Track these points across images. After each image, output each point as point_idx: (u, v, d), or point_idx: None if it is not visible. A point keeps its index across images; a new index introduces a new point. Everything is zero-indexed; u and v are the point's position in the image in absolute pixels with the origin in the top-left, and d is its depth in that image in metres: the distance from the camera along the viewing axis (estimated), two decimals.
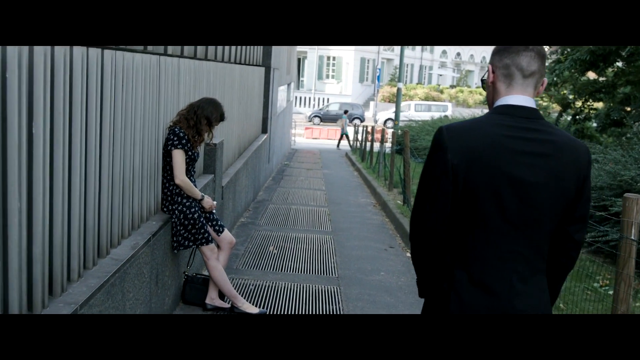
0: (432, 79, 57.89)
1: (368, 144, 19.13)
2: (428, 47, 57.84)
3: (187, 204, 4.81)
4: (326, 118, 40.61)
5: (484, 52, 63.45)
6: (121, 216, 3.96)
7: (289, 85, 21.47)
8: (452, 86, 53.35)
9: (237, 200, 8.72)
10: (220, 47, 7.53)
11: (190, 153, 4.79)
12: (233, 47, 8.60)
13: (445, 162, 2.05)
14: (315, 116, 40.91)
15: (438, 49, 58.89)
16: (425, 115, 32.51)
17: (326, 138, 33.02)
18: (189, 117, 4.79)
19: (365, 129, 20.71)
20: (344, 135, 27.23)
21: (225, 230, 5.19)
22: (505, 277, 2.06)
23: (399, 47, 44.82)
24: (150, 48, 4.55)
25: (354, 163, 19.32)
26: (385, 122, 38.13)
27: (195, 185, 4.99)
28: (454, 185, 2.05)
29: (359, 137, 22.86)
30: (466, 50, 61.51)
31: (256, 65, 11.50)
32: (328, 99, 45.37)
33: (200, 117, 4.80)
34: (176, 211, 4.79)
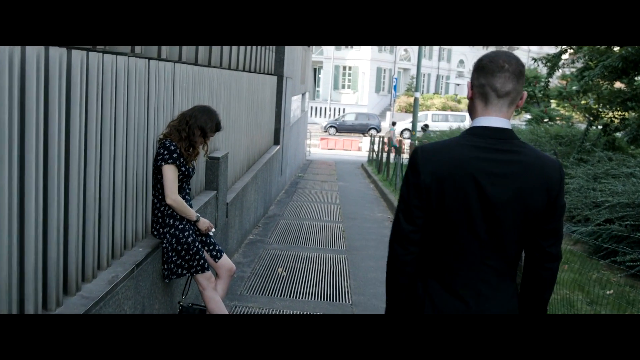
0: (449, 89, 57.17)
1: (384, 155, 18.52)
2: (445, 57, 57.20)
3: (180, 226, 4.24)
4: (342, 128, 40.09)
5: None
6: (97, 244, 3.39)
7: (303, 95, 20.96)
8: None
9: (244, 216, 8.15)
10: (226, 54, 6.98)
11: (183, 169, 4.22)
12: (241, 54, 8.06)
13: (417, 182, 2.24)
14: (331, 126, 40.38)
15: (455, 58, 58.21)
16: (443, 126, 31.88)
17: (342, 149, 32.45)
18: (181, 129, 4.23)
19: (381, 139, 20.11)
20: (393, 148, 26.71)
21: (224, 256, 4.61)
22: (475, 287, 2.26)
23: (416, 56, 44.32)
24: (138, 50, 4.00)
25: (370, 175, 18.70)
26: (402, 132, 37.57)
27: (191, 205, 4.42)
28: (426, 202, 2.24)
29: (375, 148, 22.26)
30: None
31: (268, 73, 10.97)
32: (344, 109, 44.92)
33: (193, 127, 4.24)
34: (167, 235, 4.22)
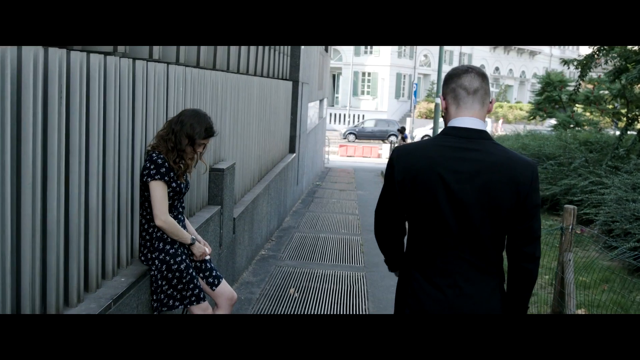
0: None
1: None
2: (465, 61, 56.43)
3: (170, 251, 3.69)
4: (361, 135, 39.51)
5: (523, 67, 61.79)
6: (62, 277, 2.84)
7: (321, 101, 20.44)
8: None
9: (255, 231, 7.59)
10: (233, 56, 6.45)
11: (174, 184, 3.68)
12: (252, 57, 7.52)
13: (392, 178, 2.44)
14: (350, 133, 39.83)
15: (476, 63, 57.39)
16: None
17: (361, 156, 31.84)
18: (168, 138, 3.69)
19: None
20: None
21: (223, 282, 4.05)
22: (451, 277, 2.36)
23: (436, 61, 43.62)
24: (122, 49, 3.46)
25: None
26: (422, 138, 36.83)
27: (184, 226, 3.87)
28: (401, 197, 2.42)
29: None
30: (505, 65, 59.96)
31: (282, 79, 10.43)
32: (363, 116, 44.40)
33: (180, 136, 3.69)
34: (156, 261, 3.66)
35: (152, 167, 3.59)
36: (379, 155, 31.74)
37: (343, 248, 8.72)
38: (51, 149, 2.67)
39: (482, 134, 2.36)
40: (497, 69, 59.48)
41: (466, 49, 55.64)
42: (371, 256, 8.30)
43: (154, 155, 3.63)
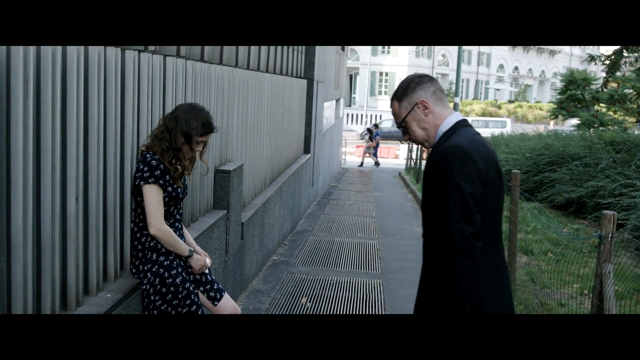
0: (489, 94, 55.74)
1: (423, 162, 17.46)
2: (484, 61, 55.86)
3: (165, 263, 3.30)
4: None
5: (543, 66, 61.03)
6: (30, 297, 2.46)
7: (337, 100, 20.06)
8: (510, 101, 51.05)
9: (266, 235, 7.21)
10: (242, 51, 6.07)
11: (169, 189, 3.29)
12: (262, 53, 7.14)
13: (477, 171, 2.35)
14: (367, 133, 39.34)
15: (495, 62, 56.81)
16: (485, 132, 30.58)
17: (379, 156, 31.38)
18: (162, 137, 3.30)
19: (419, 147, 19.02)
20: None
21: (225, 297, 3.65)
22: (507, 287, 2.51)
23: (454, 61, 43.08)
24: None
25: (408, 184, 17.63)
26: None
27: (181, 235, 3.48)
28: (487, 192, 2.45)
29: (413, 156, 21.19)
30: (524, 64, 59.26)
31: (296, 76, 10.05)
32: (380, 116, 43.96)
33: (175, 134, 3.31)
34: (149, 274, 3.28)
35: (145, 169, 3.21)
36: (397, 156, 31.26)
37: (359, 253, 8.31)
38: (14, 152, 2.29)
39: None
40: (516, 68, 58.78)
41: (485, 48, 55.01)
42: (389, 262, 7.88)
43: (147, 156, 3.25)
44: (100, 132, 2.97)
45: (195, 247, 3.59)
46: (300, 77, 10.59)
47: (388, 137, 38.95)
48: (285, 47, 8.79)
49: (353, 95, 48.25)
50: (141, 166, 3.23)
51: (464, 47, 42.10)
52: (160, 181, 3.21)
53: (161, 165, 3.23)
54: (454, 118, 2.52)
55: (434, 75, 47.57)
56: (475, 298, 2.30)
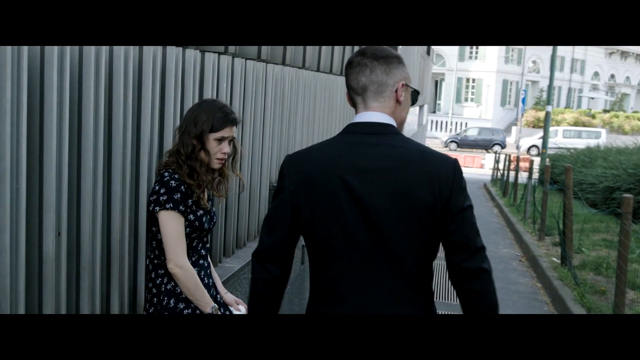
0: (582, 103, 53.30)
1: (511, 174, 16.34)
2: (578, 68, 53.50)
3: (185, 311, 2.63)
4: (463, 144, 37.79)
5: None
6: None
7: (421, 107, 19.25)
8: (605, 110, 48.58)
9: None
10: (310, 53, 5.40)
11: (191, 216, 2.63)
12: (336, 55, 6.46)
13: (282, 187, 1.96)
14: (452, 141, 38.20)
15: (589, 70, 54.32)
16: (577, 143, 28.95)
17: (463, 166, 30.17)
18: (176, 151, 2.64)
19: (507, 157, 17.89)
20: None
21: None
22: (363, 307, 1.90)
23: (545, 68, 41.39)
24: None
25: (494, 197, 16.59)
26: (528, 149, 34.91)
27: (207, 279, 2.79)
28: (292, 212, 1.94)
29: (500, 167, 20.05)
30: (621, 72, 56.41)
31: None
32: (466, 123, 42.69)
33: (188, 141, 2.62)
34: None
35: (162, 190, 2.56)
36: (482, 166, 30.04)
37: (438, 276, 7.49)
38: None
39: (390, 129, 1.96)
40: (612, 76, 56.06)
41: (579, 54, 52.72)
42: None
43: (165, 174, 2.60)
44: (117, 150, 2.36)
45: (223, 296, 2.89)
46: None
47: (473, 145, 37.69)
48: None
49: (438, 102, 47.15)
50: (157, 187, 2.58)
51: (557, 53, 40.40)
52: (181, 207, 2.55)
53: (182, 187, 2.57)
54: (352, 119, 2.06)
55: (524, 83, 46.13)
56: None
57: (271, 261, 1.97)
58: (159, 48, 2.81)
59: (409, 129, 14.95)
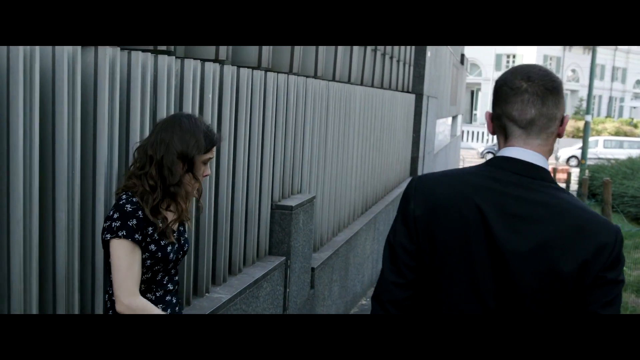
0: (624, 112, 51.99)
1: None
2: (619, 77, 52.28)
3: None
4: None
5: None
6: None
7: (454, 117, 18.72)
8: None
9: (350, 279, 6.08)
10: (322, 59, 5.02)
11: (152, 247, 2.25)
12: (355, 63, 6.07)
13: (406, 212, 1.71)
14: (488, 152, 37.35)
15: (631, 78, 53.02)
16: (618, 153, 28.02)
17: None
18: (145, 173, 2.26)
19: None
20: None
21: None
22: None
23: (585, 77, 40.40)
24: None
25: None
26: (568, 159, 34.02)
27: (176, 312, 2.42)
28: (417, 244, 1.68)
29: None
30: None
31: (402, 90, 8.93)
32: None
33: (167, 161, 2.23)
34: None
35: (115, 216, 2.19)
36: None
37: None
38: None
39: (545, 174, 1.65)
40: None
41: (620, 62, 51.51)
42: None
43: (123, 197, 2.22)
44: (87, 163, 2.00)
45: None
46: (407, 92, 9.45)
47: None
48: (385, 57, 7.69)
49: (474, 112, 46.44)
50: (112, 212, 2.21)
51: (597, 61, 39.31)
52: (137, 235, 2.18)
53: (139, 213, 2.19)
54: (499, 153, 1.74)
55: (563, 92, 45.07)
56: None
57: (394, 304, 1.72)
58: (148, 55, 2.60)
59: (440, 141, 14.46)
